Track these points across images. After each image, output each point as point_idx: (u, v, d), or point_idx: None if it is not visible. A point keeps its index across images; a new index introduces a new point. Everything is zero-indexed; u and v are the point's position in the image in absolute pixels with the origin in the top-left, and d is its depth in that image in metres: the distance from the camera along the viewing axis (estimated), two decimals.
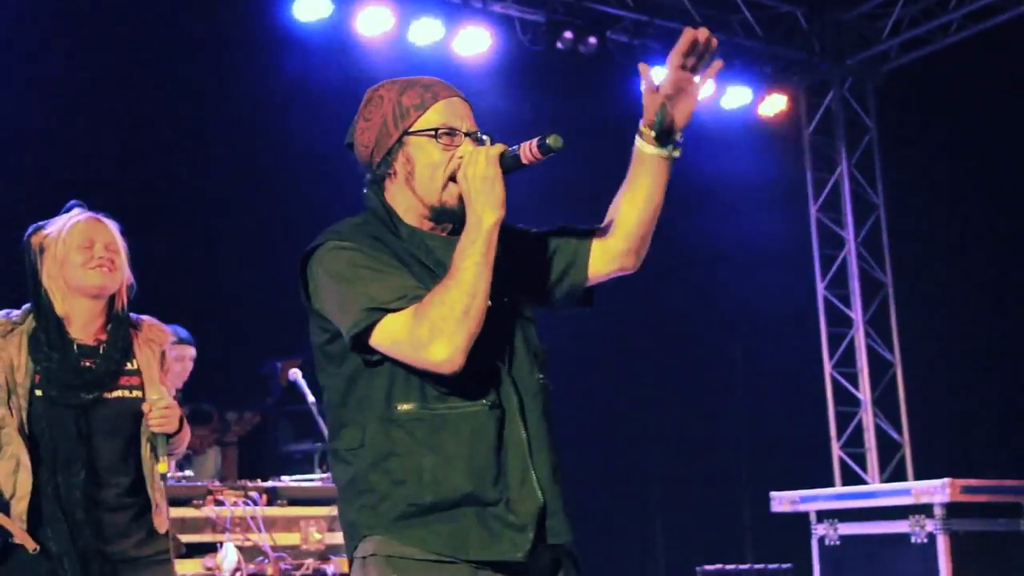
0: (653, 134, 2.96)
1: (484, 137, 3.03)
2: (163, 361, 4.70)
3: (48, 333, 4.48)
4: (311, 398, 7.17)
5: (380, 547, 2.89)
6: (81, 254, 4.47)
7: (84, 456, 4.40)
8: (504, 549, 2.86)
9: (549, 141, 2.81)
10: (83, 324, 4.53)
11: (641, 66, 2.99)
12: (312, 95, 9.66)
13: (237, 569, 6.31)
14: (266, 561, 6.45)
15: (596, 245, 3.17)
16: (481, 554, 2.85)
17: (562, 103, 10.41)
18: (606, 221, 3.18)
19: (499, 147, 2.89)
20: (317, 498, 6.91)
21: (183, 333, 7.17)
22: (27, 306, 4.57)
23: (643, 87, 2.98)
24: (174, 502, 5.98)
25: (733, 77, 11.36)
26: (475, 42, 10.23)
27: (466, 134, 3.00)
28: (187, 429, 4.69)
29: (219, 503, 6.52)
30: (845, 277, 11.98)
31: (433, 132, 2.98)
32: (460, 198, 2.93)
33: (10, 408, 4.32)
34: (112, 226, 4.61)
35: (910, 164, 11.71)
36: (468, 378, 2.90)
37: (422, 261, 2.99)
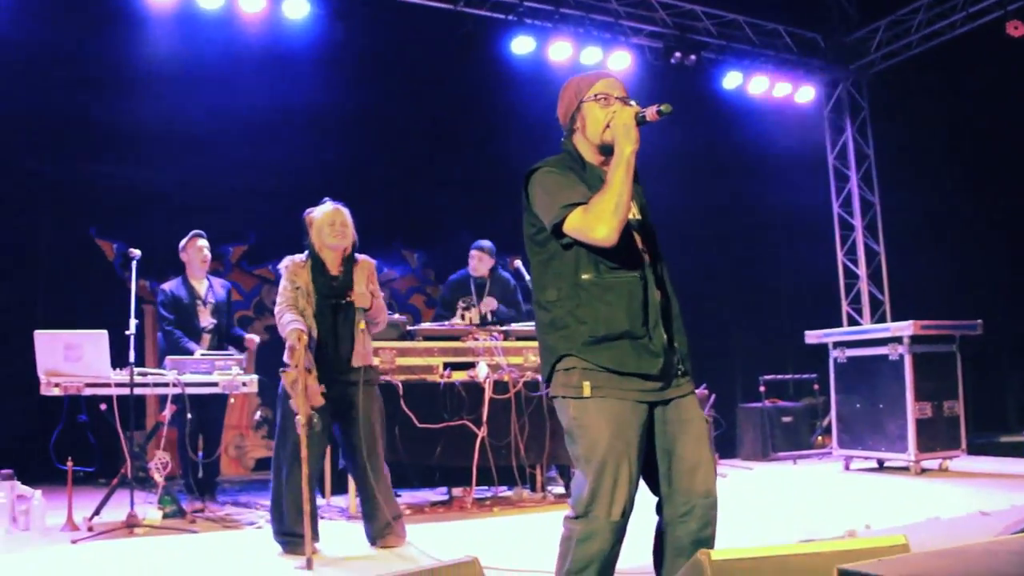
0: None
1: (632, 101, 3.04)
2: (372, 277, 5.31)
3: (316, 267, 5.21)
4: (528, 277, 7.05)
5: (575, 362, 2.94)
6: (327, 227, 5.20)
7: (335, 329, 5.14)
8: (646, 366, 2.91)
9: (662, 108, 2.88)
10: (331, 262, 5.24)
11: None
12: (521, 101, 9.42)
13: (487, 377, 6.57)
14: (503, 372, 6.69)
15: None
16: (632, 368, 2.91)
17: (674, 94, 10.22)
18: None
19: (635, 107, 2.95)
20: (532, 336, 6.39)
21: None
22: (305, 254, 5.28)
23: None
24: (451, 338, 6.77)
25: (779, 78, 11.28)
26: (621, 61, 10.23)
27: (616, 98, 3.05)
28: (382, 309, 5.30)
29: (476, 339, 6.82)
30: (850, 199, 11.87)
31: (594, 97, 3.05)
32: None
33: (308, 304, 5.09)
34: (344, 209, 5.29)
35: (889, 129, 11.56)
36: (626, 259, 2.95)
37: (593, 186, 2.97)
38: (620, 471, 2.84)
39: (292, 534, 5.03)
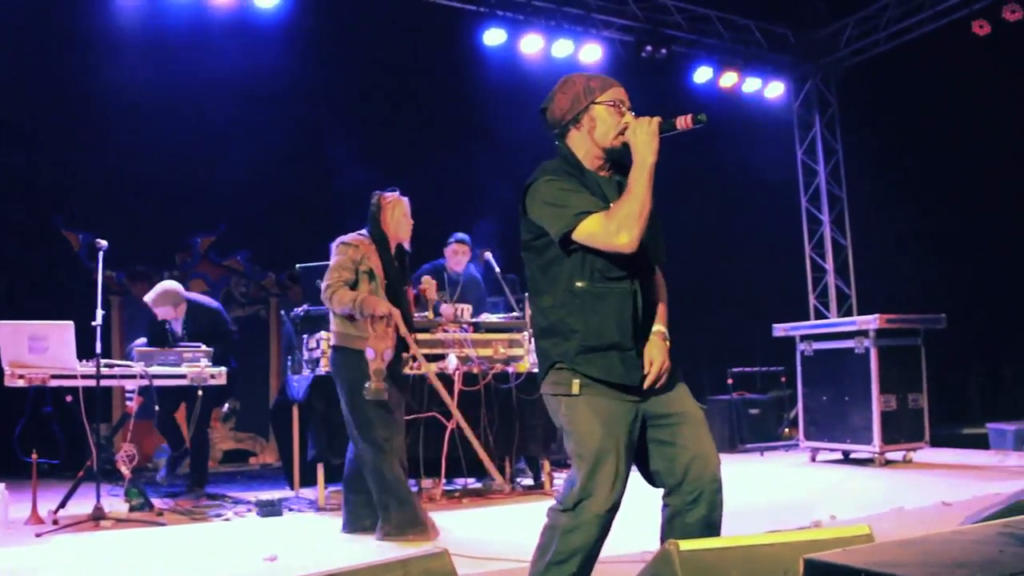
0: None
1: (631, 111, 3.02)
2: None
3: (382, 249, 5.14)
4: (497, 269, 7.44)
5: (565, 368, 2.96)
6: (404, 219, 5.19)
7: (397, 306, 5.01)
8: (634, 377, 2.92)
9: (700, 116, 2.83)
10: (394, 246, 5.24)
11: None
12: (494, 93, 9.61)
13: (456, 368, 6.50)
14: (473, 364, 6.66)
15: None
16: (619, 379, 2.92)
17: (644, 88, 10.14)
18: None
19: (659, 118, 2.90)
20: (502, 328, 6.98)
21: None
22: (364, 231, 5.18)
23: None
24: (421, 330, 6.51)
25: (749, 73, 11.38)
26: (592, 54, 10.32)
27: (627, 109, 3.02)
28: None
29: (446, 331, 6.75)
30: (818, 195, 12.02)
31: (611, 103, 3.01)
32: (624, 145, 2.95)
33: (379, 290, 5.02)
34: (408, 203, 5.26)
35: (857, 124, 11.63)
36: (622, 269, 2.94)
37: (593, 191, 2.98)
38: (611, 466, 2.85)
39: (417, 520, 5.05)
